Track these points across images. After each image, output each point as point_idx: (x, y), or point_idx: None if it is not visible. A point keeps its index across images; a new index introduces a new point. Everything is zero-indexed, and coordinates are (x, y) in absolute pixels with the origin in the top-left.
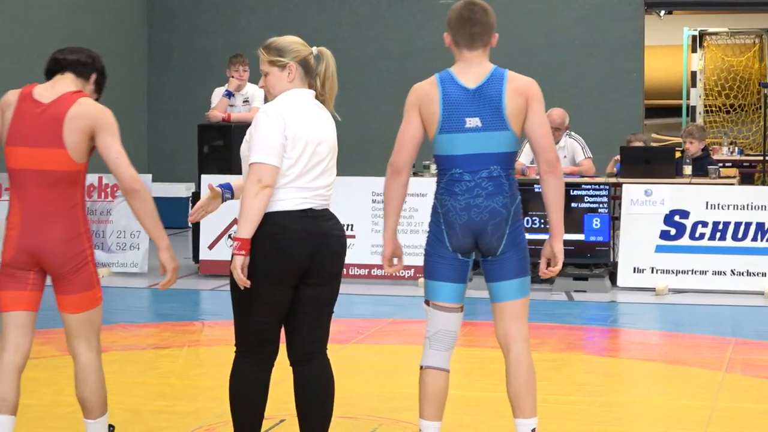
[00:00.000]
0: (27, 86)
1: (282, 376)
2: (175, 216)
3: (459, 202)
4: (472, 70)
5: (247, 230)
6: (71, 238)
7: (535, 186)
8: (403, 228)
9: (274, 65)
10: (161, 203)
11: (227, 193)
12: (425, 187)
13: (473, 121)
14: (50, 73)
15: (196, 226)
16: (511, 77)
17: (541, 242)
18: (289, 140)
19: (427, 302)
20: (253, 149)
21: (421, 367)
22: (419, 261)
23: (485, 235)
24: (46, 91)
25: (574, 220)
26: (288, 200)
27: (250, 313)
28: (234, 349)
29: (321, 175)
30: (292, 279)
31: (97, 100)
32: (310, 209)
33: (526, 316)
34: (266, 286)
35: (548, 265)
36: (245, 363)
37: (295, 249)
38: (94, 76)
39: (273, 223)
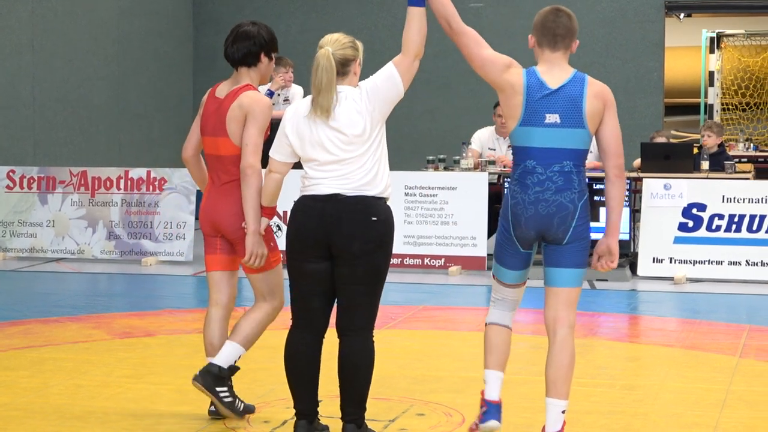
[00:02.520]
0: (216, 84)
1: (322, 357)
2: None
3: (529, 195)
4: (554, 71)
5: (264, 201)
6: (240, 211)
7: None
8: (434, 219)
9: None
10: None
11: None
12: (456, 180)
13: (552, 117)
14: (232, 64)
15: None
16: (591, 81)
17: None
18: (290, 137)
19: (494, 276)
20: None
21: (486, 324)
22: (449, 251)
23: (551, 227)
24: (225, 87)
25: (595, 212)
26: (314, 185)
27: (291, 278)
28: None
29: (345, 162)
30: (309, 252)
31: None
32: (338, 194)
33: (576, 305)
34: (291, 255)
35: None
36: (294, 329)
37: (305, 225)
38: (264, 58)
39: (298, 203)
